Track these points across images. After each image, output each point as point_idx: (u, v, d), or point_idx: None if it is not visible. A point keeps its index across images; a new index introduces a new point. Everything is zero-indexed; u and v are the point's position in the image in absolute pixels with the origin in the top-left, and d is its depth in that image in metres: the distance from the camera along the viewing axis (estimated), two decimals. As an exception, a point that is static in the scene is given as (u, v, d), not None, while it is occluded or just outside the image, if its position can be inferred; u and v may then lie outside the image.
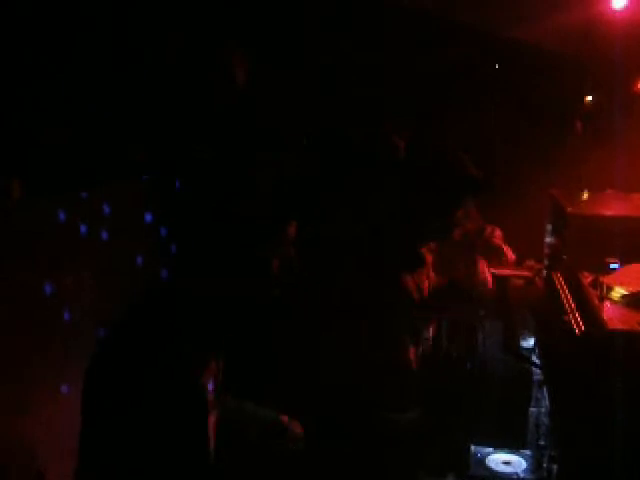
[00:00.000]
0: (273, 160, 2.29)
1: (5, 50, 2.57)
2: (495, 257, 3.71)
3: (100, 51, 2.84)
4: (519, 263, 3.69)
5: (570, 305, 2.24)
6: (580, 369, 2.03)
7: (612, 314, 2.08)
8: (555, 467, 2.17)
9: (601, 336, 1.98)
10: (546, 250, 3.22)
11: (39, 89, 2.65)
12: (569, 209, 2.69)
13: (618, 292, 2.20)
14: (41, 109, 2.64)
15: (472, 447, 2.68)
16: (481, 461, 2.62)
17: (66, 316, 2.78)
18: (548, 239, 3.20)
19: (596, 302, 2.20)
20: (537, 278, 3.36)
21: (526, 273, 3.49)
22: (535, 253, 3.64)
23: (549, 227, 3.20)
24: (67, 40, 2.75)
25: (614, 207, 2.85)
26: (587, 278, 2.43)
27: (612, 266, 2.45)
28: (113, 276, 2.97)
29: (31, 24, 2.66)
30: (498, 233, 3.88)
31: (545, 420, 2.48)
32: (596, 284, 2.31)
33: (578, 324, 2.07)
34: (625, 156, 4.32)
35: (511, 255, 3.80)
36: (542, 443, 2.51)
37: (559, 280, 2.51)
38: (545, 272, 3.22)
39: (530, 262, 3.61)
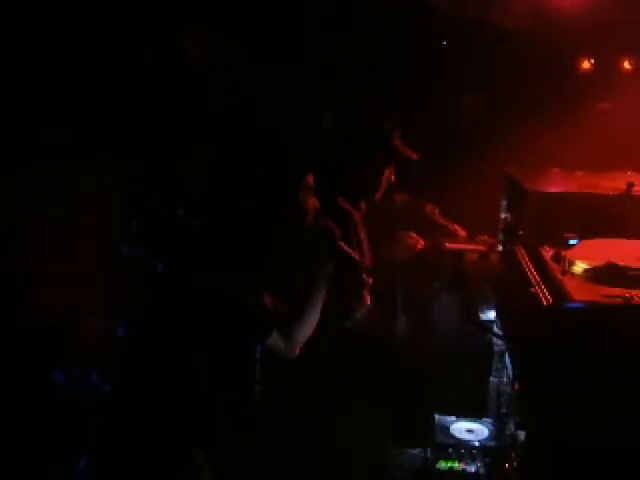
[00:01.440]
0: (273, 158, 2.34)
1: (5, 50, 2.53)
2: (441, 234, 3.81)
3: (100, 51, 2.82)
4: (471, 238, 3.79)
5: (535, 278, 2.32)
6: (546, 340, 2.11)
7: (575, 287, 2.18)
8: (521, 433, 2.26)
9: (567, 308, 2.08)
10: (501, 225, 3.32)
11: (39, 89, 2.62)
12: (528, 187, 2.79)
13: (580, 266, 2.29)
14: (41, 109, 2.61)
15: (436, 416, 2.77)
16: (445, 430, 2.71)
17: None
18: (503, 215, 3.29)
19: (559, 276, 2.29)
20: (491, 252, 3.46)
21: (480, 247, 3.58)
22: (487, 228, 3.74)
23: (504, 203, 3.29)
24: (67, 40, 2.71)
25: (570, 185, 2.95)
26: (547, 252, 2.53)
27: (571, 241, 2.55)
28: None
29: (31, 24, 2.62)
30: (437, 211, 3.97)
31: (507, 389, 2.58)
32: (558, 258, 2.41)
33: (545, 296, 2.15)
34: (568, 136, 4.48)
35: (461, 232, 3.89)
36: (504, 411, 2.61)
37: (521, 254, 2.60)
38: (500, 246, 3.32)
39: (483, 237, 3.71)
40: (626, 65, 4.75)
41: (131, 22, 2.95)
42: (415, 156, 3.26)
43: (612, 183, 2.85)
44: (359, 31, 4.33)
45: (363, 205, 3.33)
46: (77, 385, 2.50)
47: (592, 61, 4.87)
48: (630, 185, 2.68)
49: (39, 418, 2.41)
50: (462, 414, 2.80)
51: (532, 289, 2.27)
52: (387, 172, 3.29)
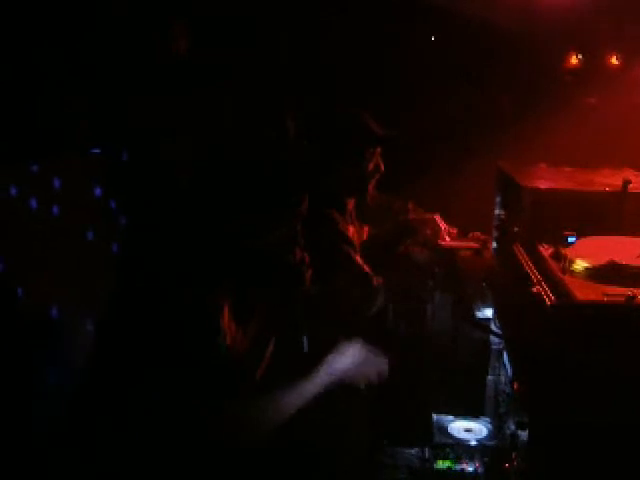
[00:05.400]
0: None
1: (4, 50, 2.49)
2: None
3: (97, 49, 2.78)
4: (464, 235, 3.77)
5: (536, 277, 2.30)
6: (549, 339, 2.10)
7: (577, 286, 2.16)
8: (522, 433, 2.24)
9: (571, 307, 2.06)
10: (495, 222, 3.30)
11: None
12: (525, 183, 2.76)
13: (581, 265, 2.27)
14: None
15: (434, 416, 2.75)
16: (443, 429, 2.69)
17: (19, 292, 2.70)
18: (497, 211, 3.27)
19: (560, 274, 2.27)
20: (484, 249, 3.45)
21: (472, 244, 3.57)
22: (478, 225, 3.73)
23: (498, 199, 3.27)
24: (67, 40, 2.66)
25: (565, 181, 2.93)
26: (546, 250, 2.51)
27: (569, 239, 2.53)
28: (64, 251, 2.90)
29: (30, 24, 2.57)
30: (438, 218, 3.95)
31: (505, 388, 2.56)
32: (557, 256, 2.39)
33: (548, 295, 2.13)
34: (555, 131, 4.49)
35: (452, 230, 3.87)
36: (502, 410, 2.60)
37: (519, 252, 2.58)
38: (494, 243, 3.31)
39: (476, 234, 3.69)
40: (614, 61, 4.77)
41: (126, 21, 2.92)
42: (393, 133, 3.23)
43: (607, 180, 2.84)
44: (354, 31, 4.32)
45: (349, 204, 3.29)
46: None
47: (580, 57, 4.88)
48: (626, 182, 2.66)
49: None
50: (460, 413, 2.78)
51: (534, 288, 2.25)
52: (372, 159, 3.24)
